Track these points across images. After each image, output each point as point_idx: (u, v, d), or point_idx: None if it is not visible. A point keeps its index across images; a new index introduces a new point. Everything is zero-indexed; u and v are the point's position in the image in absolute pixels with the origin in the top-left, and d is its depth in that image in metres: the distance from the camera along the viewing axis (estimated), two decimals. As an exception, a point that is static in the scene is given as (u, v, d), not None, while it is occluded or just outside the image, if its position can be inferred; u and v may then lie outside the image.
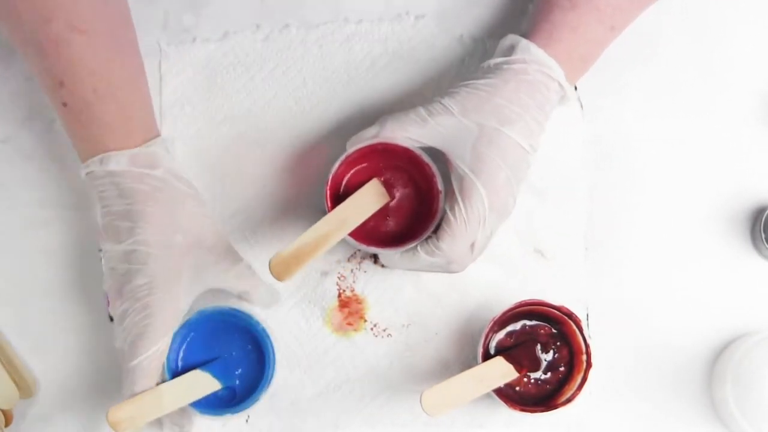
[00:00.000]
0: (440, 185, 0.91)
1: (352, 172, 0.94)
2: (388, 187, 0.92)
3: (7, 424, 0.95)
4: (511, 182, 0.88)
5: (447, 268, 0.89)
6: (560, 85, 0.89)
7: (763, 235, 0.95)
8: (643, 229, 0.98)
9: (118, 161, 0.88)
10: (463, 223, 0.87)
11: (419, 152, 0.90)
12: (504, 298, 0.97)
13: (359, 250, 0.97)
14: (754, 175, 0.98)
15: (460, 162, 0.88)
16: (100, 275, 0.97)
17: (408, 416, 0.97)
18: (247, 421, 0.97)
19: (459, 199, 0.87)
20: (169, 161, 0.90)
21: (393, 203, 0.93)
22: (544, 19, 0.90)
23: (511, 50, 0.90)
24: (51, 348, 0.97)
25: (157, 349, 0.88)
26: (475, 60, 0.94)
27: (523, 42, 0.90)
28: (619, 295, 0.97)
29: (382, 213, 0.93)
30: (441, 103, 0.89)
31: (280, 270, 0.87)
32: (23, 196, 0.98)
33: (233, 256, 0.91)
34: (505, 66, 0.89)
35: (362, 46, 0.99)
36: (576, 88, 0.98)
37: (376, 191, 0.91)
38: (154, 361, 0.88)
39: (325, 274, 0.98)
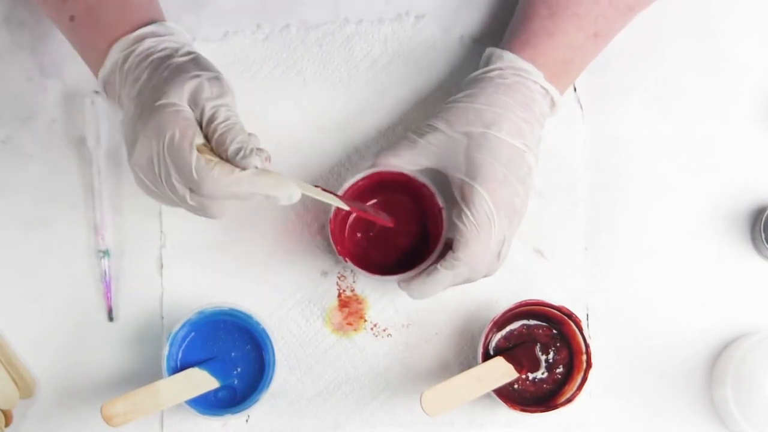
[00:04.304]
0: (441, 202, 0.92)
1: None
2: (390, 211, 0.94)
3: (7, 424, 0.95)
4: (510, 180, 0.88)
5: (474, 277, 0.89)
6: (543, 87, 0.90)
7: (763, 235, 0.95)
8: (643, 229, 0.98)
9: (121, 46, 0.87)
10: (474, 228, 0.87)
11: (414, 174, 0.91)
12: (504, 298, 0.97)
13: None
14: (754, 175, 0.98)
15: (456, 172, 0.89)
16: (100, 275, 0.97)
17: (408, 416, 0.97)
18: (247, 421, 0.97)
19: (463, 206, 0.88)
20: (172, 37, 0.88)
21: (397, 229, 0.94)
22: (522, 27, 0.92)
23: (488, 61, 0.92)
24: (51, 348, 0.97)
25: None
26: (476, 60, 0.94)
27: (498, 51, 0.91)
28: (619, 295, 0.97)
29: (394, 246, 0.95)
30: (427, 124, 0.91)
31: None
32: (23, 196, 0.98)
33: (228, 89, 0.85)
34: (482, 76, 0.91)
35: (362, 46, 0.99)
36: (575, 89, 0.98)
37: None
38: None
39: (325, 274, 0.98)
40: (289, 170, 0.98)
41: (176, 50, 0.87)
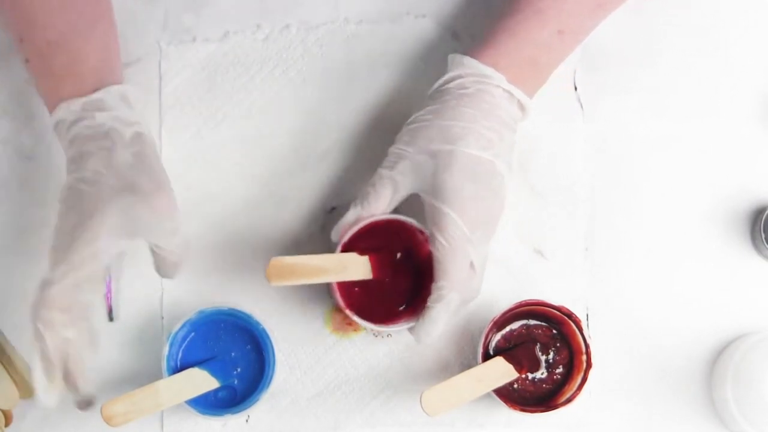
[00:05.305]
0: None
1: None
2: (383, 269, 0.92)
3: (7, 424, 0.95)
4: (479, 194, 0.86)
5: (469, 298, 0.88)
6: (507, 91, 0.88)
7: (763, 235, 0.95)
8: (643, 229, 0.98)
9: (70, 110, 0.87)
10: (449, 253, 0.86)
11: (408, 220, 0.90)
12: (504, 298, 0.97)
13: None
14: (754, 175, 0.98)
15: (427, 195, 0.88)
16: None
17: (408, 416, 0.97)
18: (247, 421, 0.97)
19: (435, 232, 0.87)
20: (120, 109, 0.88)
21: (396, 279, 0.93)
22: (487, 28, 0.90)
23: (450, 68, 0.90)
24: (51, 348, 0.97)
25: (65, 284, 0.83)
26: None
27: (457, 57, 0.89)
28: (619, 295, 0.97)
29: (392, 293, 0.93)
30: (394, 152, 0.89)
31: (274, 273, 0.87)
32: (23, 196, 0.98)
33: (169, 217, 0.87)
34: (443, 87, 0.90)
35: (362, 46, 0.99)
36: (576, 89, 0.98)
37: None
38: (60, 296, 0.83)
39: (325, 274, 0.98)
40: (290, 169, 0.98)
41: (117, 142, 0.87)
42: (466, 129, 0.87)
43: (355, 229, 0.90)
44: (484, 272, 0.89)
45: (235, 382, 0.94)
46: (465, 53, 0.90)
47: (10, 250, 0.98)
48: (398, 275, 0.93)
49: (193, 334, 0.94)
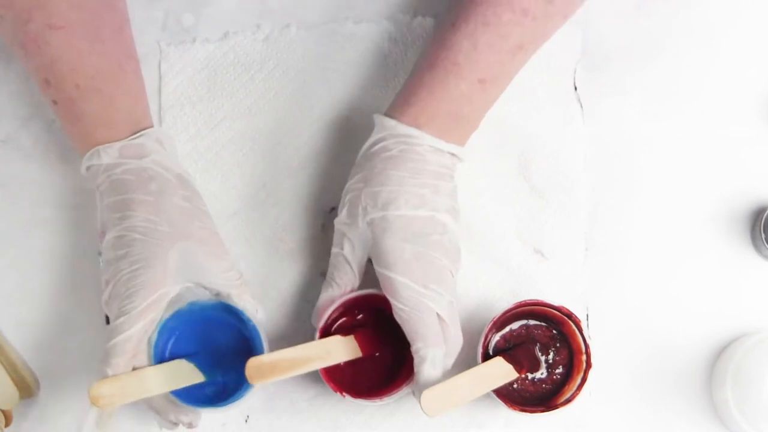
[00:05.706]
0: None
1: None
2: (370, 344, 0.92)
3: (7, 424, 0.95)
4: (421, 253, 0.86)
5: (454, 349, 0.89)
6: (431, 146, 0.87)
7: (763, 235, 0.95)
8: (643, 229, 0.98)
9: (108, 154, 0.88)
10: (412, 316, 0.86)
11: (380, 292, 0.89)
12: (504, 298, 0.97)
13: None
14: (754, 175, 0.98)
15: (375, 264, 0.88)
16: (99, 275, 0.97)
17: (408, 416, 0.97)
18: (246, 421, 0.97)
19: (390, 300, 0.87)
20: (160, 152, 0.89)
21: (382, 350, 0.93)
22: (404, 87, 0.89)
23: (374, 130, 0.90)
24: (51, 348, 0.97)
25: (133, 331, 0.87)
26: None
27: (379, 118, 0.89)
28: (619, 296, 0.97)
29: (381, 363, 0.93)
30: (338, 229, 0.90)
31: (254, 374, 0.88)
32: (23, 196, 0.98)
33: (222, 257, 0.90)
34: (369, 152, 0.89)
35: (362, 46, 0.99)
36: (576, 89, 0.98)
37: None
38: (129, 343, 0.87)
39: (324, 274, 0.97)
40: (290, 169, 0.98)
41: (165, 187, 0.88)
42: (394, 192, 0.87)
43: (331, 310, 0.91)
44: (456, 321, 0.89)
45: (222, 377, 0.93)
46: (386, 113, 0.89)
47: (9, 250, 0.98)
48: (383, 345, 0.93)
49: (183, 326, 0.93)
